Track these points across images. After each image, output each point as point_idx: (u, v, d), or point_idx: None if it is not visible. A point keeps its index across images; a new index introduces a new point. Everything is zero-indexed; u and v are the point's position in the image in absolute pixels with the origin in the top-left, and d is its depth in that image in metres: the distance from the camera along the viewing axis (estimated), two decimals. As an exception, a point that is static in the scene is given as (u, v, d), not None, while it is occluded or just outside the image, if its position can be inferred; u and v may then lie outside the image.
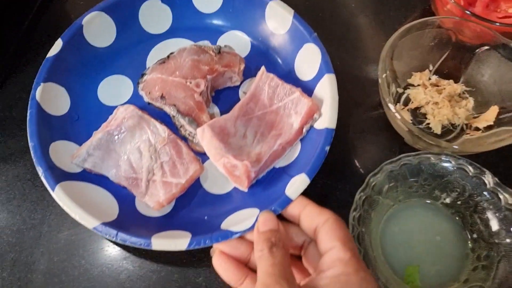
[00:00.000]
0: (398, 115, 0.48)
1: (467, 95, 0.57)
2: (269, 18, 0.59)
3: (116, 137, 0.53)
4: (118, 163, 0.52)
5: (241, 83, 0.59)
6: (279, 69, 0.59)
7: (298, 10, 0.58)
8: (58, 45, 0.56)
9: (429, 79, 0.58)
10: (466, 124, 0.55)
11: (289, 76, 0.58)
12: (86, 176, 0.52)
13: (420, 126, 0.55)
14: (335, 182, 0.54)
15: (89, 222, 0.46)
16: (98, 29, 0.59)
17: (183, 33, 0.62)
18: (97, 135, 0.53)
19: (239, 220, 0.47)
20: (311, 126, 0.53)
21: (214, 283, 0.49)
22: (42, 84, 0.54)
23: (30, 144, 0.50)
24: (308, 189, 0.48)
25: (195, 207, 0.52)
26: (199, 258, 0.50)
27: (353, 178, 0.54)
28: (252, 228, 0.45)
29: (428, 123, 0.55)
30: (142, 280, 0.49)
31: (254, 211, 0.47)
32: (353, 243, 0.40)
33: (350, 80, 0.60)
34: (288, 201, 0.47)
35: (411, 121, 0.56)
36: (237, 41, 0.61)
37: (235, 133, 0.53)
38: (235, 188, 0.52)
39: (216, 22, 0.62)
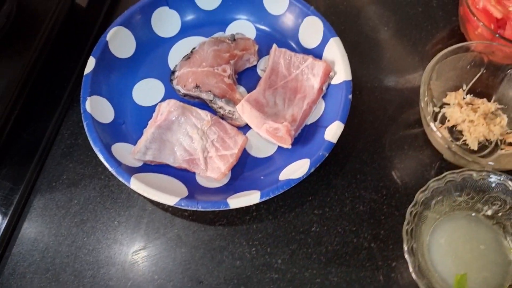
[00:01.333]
0: (439, 134, 0.53)
1: (501, 113, 0.61)
2: (267, 2, 0.68)
3: (167, 128, 0.60)
4: (174, 150, 0.59)
5: (257, 62, 0.67)
6: (286, 44, 0.68)
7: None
8: (91, 62, 0.62)
9: (464, 98, 0.61)
10: (501, 140, 0.59)
11: (297, 48, 0.67)
12: (148, 168, 0.59)
13: (458, 143, 0.60)
14: (381, 198, 0.58)
15: (171, 200, 0.53)
16: (120, 42, 0.65)
17: (193, 32, 0.69)
18: (149, 131, 0.59)
19: (294, 170, 0.56)
20: (329, 84, 0.62)
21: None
22: (88, 98, 0.60)
23: (96, 149, 0.56)
24: (357, 204, 0.57)
25: (249, 171, 0.59)
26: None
27: (397, 193, 0.58)
28: (309, 172, 0.54)
29: (465, 140, 0.59)
30: None
31: (305, 161, 0.56)
32: None
33: (384, 97, 0.65)
34: (331, 145, 0.56)
35: (449, 139, 0.60)
36: (243, 28, 0.69)
37: (267, 103, 0.61)
38: (278, 149, 0.61)
39: (220, 15, 0.70)
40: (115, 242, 0.57)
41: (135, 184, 0.54)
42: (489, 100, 0.62)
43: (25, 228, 0.58)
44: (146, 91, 0.65)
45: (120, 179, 0.55)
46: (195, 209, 0.53)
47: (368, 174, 0.60)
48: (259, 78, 0.65)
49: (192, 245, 0.56)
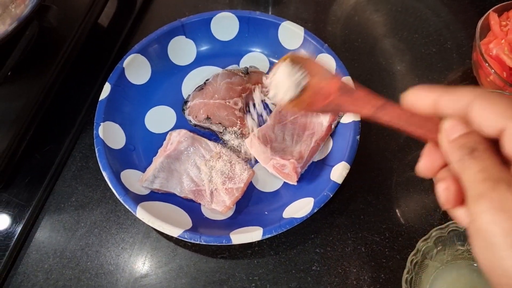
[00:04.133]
0: None
1: None
2: (282, 37, 0.69)
3: (175, 158, 0.61)
4: (181, 180, 0.60)
5: (269, 95, 0.68)
6: (298, 79, 0.68)
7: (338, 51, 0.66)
8: (107, 88, 0.64)
9: None
10: None
11: (308, 84, 0.68)
12: (154, 196, 0.60)
13: None
14: (383, 240, 0.58)
15: (174, 231, 0.54)
16: (136, 68, 0.67)
17: (208, 61, 0.71)
18: (158, 159, 0.61)
19: (298, 208, 0.56)
20: (338, 122, 0.63)
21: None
22: (101, 124, 0.61)
23: (105, 175, 0.58)
24: (359, 246, 0.57)
25: (253, 205, 0.60)
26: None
27: (400, 236, 0.59)
28: (312, 212, 0.54)
29: None
30: None
31: (309, 200, 0.56)
32: None
33: (392, 137, 0.65)
34: (336, 185, 0.56)
35: None
36: (257, 60, 0.70)
37: (276, 138, 0.62)
38: (284, 184, 0.61)
39: (236, 47, 0.71)
40: (117, 268, 0.58)
41: (141, 213, 0.55)
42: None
43: (31, 248, 0.59)
44: (158, 118, 0.67)
45: (127, 207, 0.56)
46: (197, 242, 0.54)
47: (372, 215, 0.60)
48: (269, 111, 0.66)
49: (193, 277, 0.57)
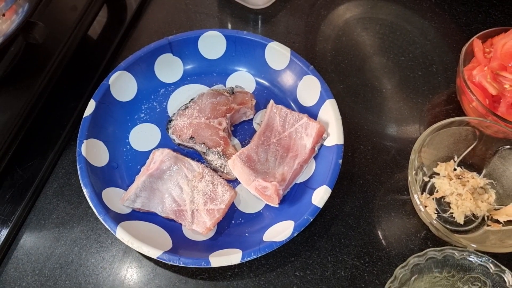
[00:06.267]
0: (422, 208, 0.54)
1: (489, 188, 0.61)
2: (268, 57, 0.69)
3: (158, 177, 0.61)
4: (163, 200, 0.60)
5: (254, 116, 0.68)
6: (283, 100, 0.69)
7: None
8: (92, 105, 0.63)
9: (454, 169, 0.62)
10: (488, 216, 0.60)
11: (293, 105, 0.68)
12: (136, 215, 0.60)
13: (444, 215, 0.61)
14: (363, 264, 0.58)
15: (153, 253, 0.54)
16: (122, 86, 0.67)
17: (195, 79, 0.71)
18: (141, 178, 0.60)
19: (278, 231, 0.56)
20: (322, 145, 0.63)
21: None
22: (84, 141, 0.61)
23: (86, 194, 0.57)
24: (339, 269, 0.58)
25: (234, 226, 0.60)
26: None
27: (379, 261, 0.59)
28: (292, 236, 0.54)
29: (452, 213, 0.60)
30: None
31: (290, 223, 0.56)
32: None
33: (375, 161, 0.66)
34: (317, 209, 0.56)
35: (435, 210, 0.61)
36: (243, 80, 0.71)
37: (259, 159, 0.62)
38: (266, 206, 0.61)
39: (222, 65, 0.71)
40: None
41: (121, 233, 0.55)
42: (479, 172, 0.63)
43: (10, 265, 0.59)
44: (142, 135, 0.67)
45: (107, 226, 0.56)
46: (176, 264, 0.54)
47: (353, 239, 0.60)
48: (254, 131, 0.67)
49: (171, 298, 0.57)
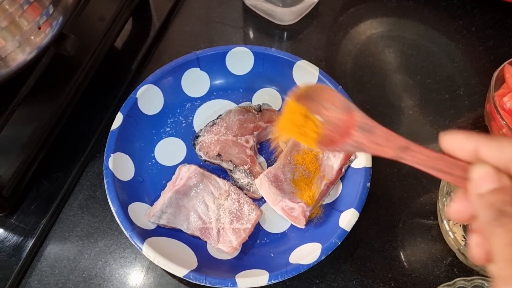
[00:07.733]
0: (451, 235, 0.54)
1: None
2: (296, 75, 0.69)
3: (184, 194, 0.60)
4: (189, 217, 0.60)
5: (280, 134, 0.68)
6: (310, 119, 0.69)
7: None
8: (119, 118, 0.63)
9: None
10: None
11: (320, 124, 0.68)
12: (160, 231, 0.59)
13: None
14: None
15: (179, 271, 0.54)
16: (149, 99, 0.66)
17: (221, 94, 0.71)
18: (167, 194, 0.60)
19: (305, 254, 0.56)
20: (349, 166, 0.63)
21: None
22: (111, 155, 0.61)
23: (113, 209, 0.57)
24: None
25: (259, 246, 0.60)
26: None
27: (405, 287, 0.58)
28: (319, 260, 0.54)
29: None
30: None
31: (317, 246, 0.56)
32: None
33: (401, 184, 0.65)
34: (345, 233, 0.56)
35: (463, 236, 0.59)
36: (270, 96, 0.70)
37: (286, 179, 0.62)
38: (291, 226, 0.61)
39: (249, 82, 0.71)
40: (120, 302, 0.57)
41: (147, 251, 0.55)
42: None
43: (33, 277, 0.59)
44: (168, 150, 0.66)
45: (133, 243, 0.56)
46: (202, 283, 0.53)
47: (378, 263, 0.60)
48: (279, 149, 0.66)
49: (195, 317, 0.56)
